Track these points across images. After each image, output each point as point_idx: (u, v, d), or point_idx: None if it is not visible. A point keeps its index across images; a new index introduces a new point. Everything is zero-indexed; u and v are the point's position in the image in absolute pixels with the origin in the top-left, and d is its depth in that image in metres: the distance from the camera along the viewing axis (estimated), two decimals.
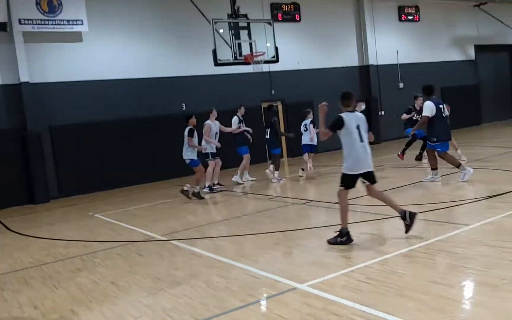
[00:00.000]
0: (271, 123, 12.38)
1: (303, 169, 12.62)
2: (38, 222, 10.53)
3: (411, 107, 12.62)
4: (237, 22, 13.65)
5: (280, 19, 18.52)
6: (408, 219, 5.72)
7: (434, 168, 9.47)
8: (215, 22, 13.31)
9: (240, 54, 13.41)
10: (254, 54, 13.61)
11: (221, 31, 13.37)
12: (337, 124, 5.74)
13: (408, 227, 5.74)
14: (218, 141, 11.65)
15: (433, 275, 4.44)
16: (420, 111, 12.13)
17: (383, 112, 19.97)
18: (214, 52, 13.11)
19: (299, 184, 12.00)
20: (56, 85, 14.46)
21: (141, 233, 8.06)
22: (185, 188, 10.74)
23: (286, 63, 17.29)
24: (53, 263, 6.70)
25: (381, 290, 4.24)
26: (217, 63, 13.24)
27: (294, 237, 6.63)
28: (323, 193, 10.11)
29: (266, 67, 16.06)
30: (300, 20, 19.28)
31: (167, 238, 7.44)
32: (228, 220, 8.53)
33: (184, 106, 16.46)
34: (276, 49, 14.20)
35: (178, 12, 16.44)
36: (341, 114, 5.79)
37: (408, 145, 12.54)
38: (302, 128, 12.44)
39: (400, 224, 5.83)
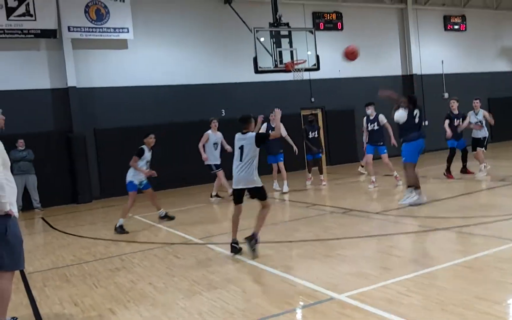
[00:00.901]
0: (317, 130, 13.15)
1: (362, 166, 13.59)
2: (80, 221, 10.84)
3: (448, 113, 12.07)
4: (279, 31, 13.68)
5: (322, 28, 18.46)
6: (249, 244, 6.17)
7: (416, 186, 8.50)
8: (257, 31, 13.39)
9: (281, 62, 13.42)
10: (295, 62, 13.59)
11: (262, 39, 13.44)
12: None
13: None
14: (220, 154, 11.53)
15: (478, 290, 4.25)
16: (459, 116, 11.89)
17: (427, 122, 19.45)
18: (255, 59, 13.18)
19: (337, 192, 11.84)
20: (101, 90, 14.92)
21: (178, 236, 8.14)
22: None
23: (327, 71, 17.18)
24: (93, 262, 6.85)
25: (423, 303, 4.09)
26: (257, 71, 13.31)
27: (332, 246, 6.49)
28: (363, 203, 9.91)
29: (306, 75, 15.99)
30: (342, 28, 19.14)
31: (204, 242, 7.47)
32: (265, 226, 8.43)
33: (223, 112, 16.61)
34: (317, 57, 14.13)
35: (220, 20, 16.66)
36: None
37: (449, 161, 11.85)
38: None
39: (444, 237, 5.63)
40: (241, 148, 6.28)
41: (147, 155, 9.26)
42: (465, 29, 22.24)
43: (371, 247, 6.31)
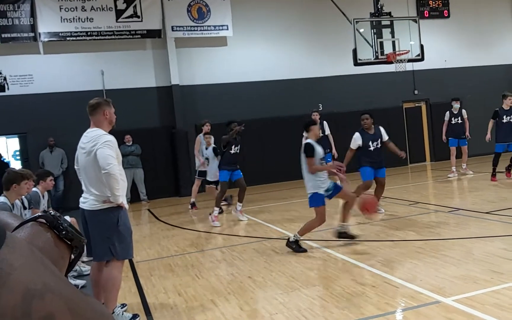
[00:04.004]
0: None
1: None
2: (183, 214, 11.32)
3: (497, 109, 10.97)
4: (380, 21, 13.14)
5: (427, 16, 17.40)
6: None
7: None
8: (356, 22, 12.98)
9: (382, 53, 12.87)
10: (397, 52, 12.96)
11: (362, 30, 13.00)
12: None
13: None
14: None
15: None
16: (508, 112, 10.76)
17: None
18: (354, 51, 12.77)
19: (443, 191, 11.10)
20: (202, 87, 15.46)
21: (276, 231, 8.15)
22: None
23: (431, 62, 16.17)
24: (196, 253, 7.10)
25: None
26: (357, 63, 12.89)
27: (438, 247, 6.09)
28: (470, 201, 9.18)
29: (409, 66, 15.19)
30: (449, 16, 17.89)
31: (302, 238, 7.39)
32: (365, 224, 8.18)
33: (321, 107, 16.37)
34: (422, 47, 13.33)
35: (318, 13, 16.42)
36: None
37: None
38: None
39: None
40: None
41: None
42: None
43: (480, 249, 5.81)
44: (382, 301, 4.37)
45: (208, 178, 10.60)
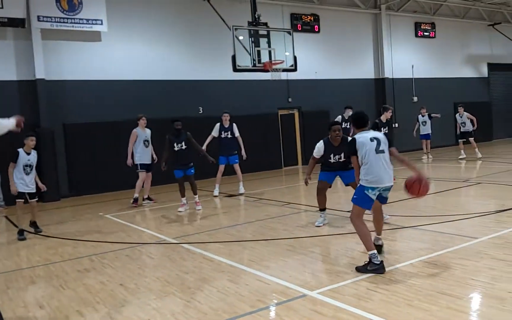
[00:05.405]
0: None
1: None
2: (47, 221, 10.40)
3: (377, 121, 12.25)
4: (257, 30, 13.58)
5: (300, 29, 18.48)
6: None
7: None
8: (235, 29, 13.25)
9: (259, 61, 13.32)
10: (273, 62, 13.51)
11: (241, 37, 13.31)
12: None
13: None
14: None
15: (442, 286, 4.45)
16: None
17: (397, 124, 19.78)
18: (234, 58, 13.03)
19: (313, 192, 11.80)
20: (72, 83, 14.43)
21: (152, 235, 7.90)
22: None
23: (304, 72, 17.18)
24: (61, 263, 6.55)
25: (391, 299, 4.24)
26: (236, 69, 13.16)
27: (306, 244, 6.48)
28: (335, 202, 9.88)
29: (284, 75, 15.96)
30: (319, 31, 19.22)
31: (178, 241, 7.26)
32: (241, 225, 8.35)
33: (201, 110, 16.40)
34: (295, 58, 14.08)
35: (199, 17, 16.42)
36: None
37: None
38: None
39: (413, 234, 5.72)
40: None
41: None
42: (435, 36, 22.95)
43: (343, 245, 6.33)
44: (254, 298, 4.52)
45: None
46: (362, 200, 5.15)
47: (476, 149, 16.05)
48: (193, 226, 8.55)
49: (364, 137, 5.24)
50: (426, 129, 17.32)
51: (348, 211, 8.33)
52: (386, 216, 7.28)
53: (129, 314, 4.39)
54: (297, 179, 15.22)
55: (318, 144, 7.44)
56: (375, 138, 5.23)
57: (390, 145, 5.36)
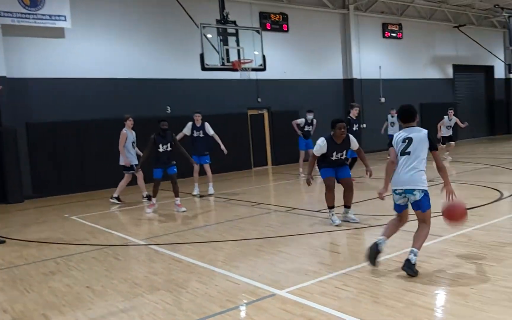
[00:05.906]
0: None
1: None
2: (10, 223, 10.09)
3: (349, 118, 12.45)
4: (226, 28, 13.52)
5: (269, 28, 18.44)
6: None
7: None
8: (203, 27, 13.16)
9: (228, 60, 13.28)
10: (241, 61, 13.49)
11: (209, 36, 13.22)
12: None
13: None
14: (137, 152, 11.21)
15: (407, 283, 4.56)
16: None
17: (364, 125, 20.11)
18: (202, 56, 12.95)
19: (282, 192, 11.86)
20: (35, 81, 14.02)
21: (119, 237, 7.78)
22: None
23: (273, 72, 17.25)
24: (25, 266, 6.37)
25: (358, 297, 4.34)
26: (204, 68, 13.09)
27: (276, 244, 6.52)
28: (306, 201, 9.97)
29: (253, 75, 15.96)
30: (288, 30, 19.26)
31: (147, 243, 7.19)
32: (210, 225, 8.33)
33: (169, 109, 16.20)
34: (264, 57, 14.12)
35: (166, 13, 16.22)
36: None
37: None
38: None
39: (378, 233, 5.82)
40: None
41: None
42: (402, 37, 23.31)
43: (312, 244, 6.39)
44: (223, 299, 4.52)
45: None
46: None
47: (448, 153, 16.52)
48: (162, 227, 8.48)
49: (400, 137, 5.14)
50: (394, 130, 17.74)
51: (316, 211, 8.49)
52: (355, 220, 7.36)
53: (96, 317, 4.33)
54: (267, 179, 15.29)
55: (319, 141, 7.19)
56: (407, 138, 5.07)
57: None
